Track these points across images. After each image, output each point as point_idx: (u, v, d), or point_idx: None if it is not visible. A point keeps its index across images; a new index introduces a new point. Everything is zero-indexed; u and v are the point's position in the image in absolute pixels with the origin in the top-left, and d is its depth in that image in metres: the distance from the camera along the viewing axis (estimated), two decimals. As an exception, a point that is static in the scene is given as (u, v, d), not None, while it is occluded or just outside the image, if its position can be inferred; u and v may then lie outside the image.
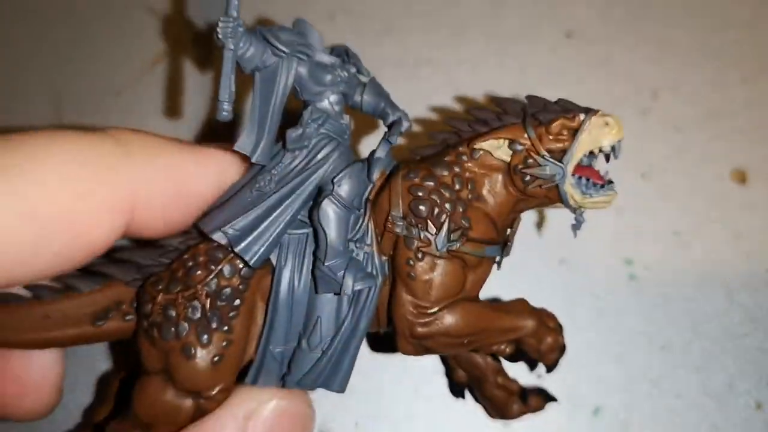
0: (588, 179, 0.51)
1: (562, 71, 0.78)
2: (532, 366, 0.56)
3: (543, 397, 0.62)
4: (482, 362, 0.61)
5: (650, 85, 0.78)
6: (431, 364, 0.71)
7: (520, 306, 0.54)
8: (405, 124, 0.51)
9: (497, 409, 0.62)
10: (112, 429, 0.53)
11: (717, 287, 0.73)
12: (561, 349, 0.54)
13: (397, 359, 0.71)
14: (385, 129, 0.53)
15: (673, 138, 0.77)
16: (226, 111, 0.47)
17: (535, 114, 0.51)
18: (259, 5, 0.79)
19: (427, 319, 0.50)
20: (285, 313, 0.50)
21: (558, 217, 0.69)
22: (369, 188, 0.52)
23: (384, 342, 0.69)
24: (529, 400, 0.61)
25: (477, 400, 0.65)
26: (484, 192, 0.53)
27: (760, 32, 0.79)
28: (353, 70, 0.52)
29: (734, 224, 0.74)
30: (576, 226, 0.53)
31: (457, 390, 0.67)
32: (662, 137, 0.76)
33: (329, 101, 0.50)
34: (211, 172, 0.51)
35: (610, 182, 0.52)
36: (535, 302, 0.72)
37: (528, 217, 0.68)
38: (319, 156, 0.50)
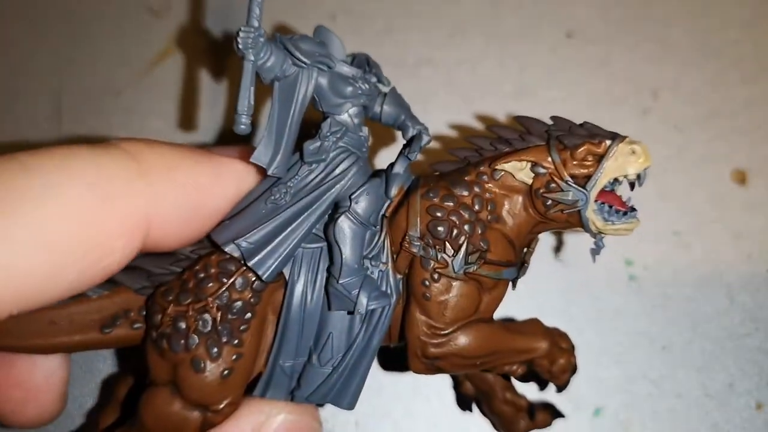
0: (610, 206, 0.50)
1: (562, 71, 0.78)
2: (542, 386, 0.56)
3: (550, 413, 0.62)
4: (491, 377, 0.61)
5: (650, 85, 0.78)
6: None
7: (534, 327, 0.54)
8: (425, 139, 0.50)
9: (505, 425, 0.62)
10: (118, 437, 0.52)
11: (717, 287, 0.72)
12: (573, 369, 0.54)
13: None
14: (403, 141, 0.52)
15: (674, 138, 0.77)
16: (244, 124, 0.46)
17: (560, 137, 0.50)
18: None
19: (440, 340, 0.50)
20: (296, 327, 0.50)
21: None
22: (386, 204, 0.51)
23: (394, 359, 0.69)
24: (537, 416, 0.61)
25: (484, 414, 0.65)
26: (504, 213, 0.52)
27: (760, 32, 0.79)
28: (374, 80, 0.50)
29: (734, 224, 0.74)
30: (595, 251, 0.52)
31: (464, 403, 0.67)
32: (662, 137, 0.76)
33: (349, 114, 0.49)
34: (229, 184, 0.50)
35: (633, 209, 0.50)
36: (535, 302, 0.72)
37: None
38: (337, 171, 0.49)
